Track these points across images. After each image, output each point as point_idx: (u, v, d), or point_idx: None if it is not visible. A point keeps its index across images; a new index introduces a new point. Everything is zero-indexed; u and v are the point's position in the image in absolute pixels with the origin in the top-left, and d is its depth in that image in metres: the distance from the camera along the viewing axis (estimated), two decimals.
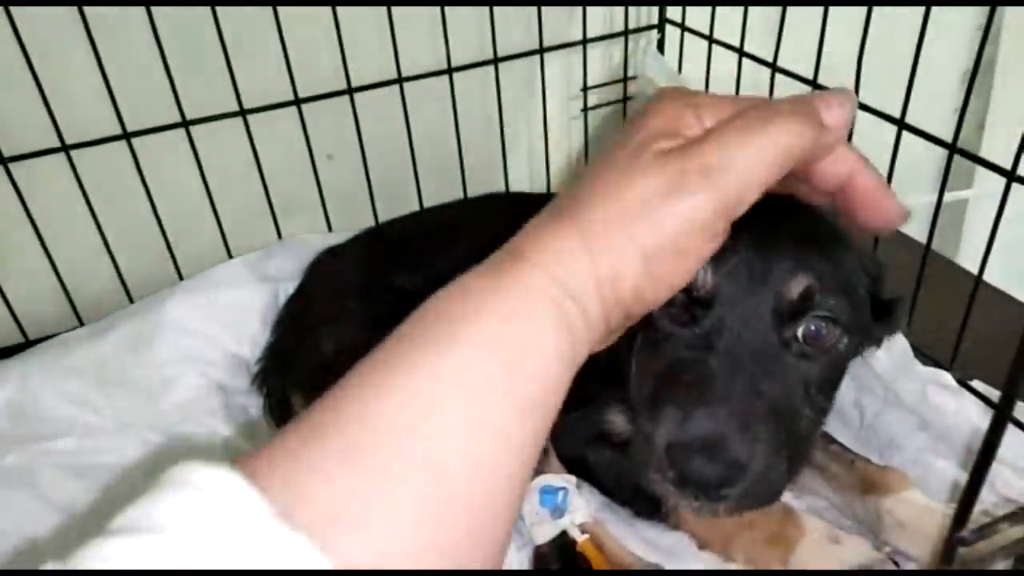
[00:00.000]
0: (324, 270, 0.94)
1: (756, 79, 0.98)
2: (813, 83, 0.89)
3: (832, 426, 0.77)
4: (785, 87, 0.93)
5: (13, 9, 0.82)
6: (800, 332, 0.54)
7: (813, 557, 0.68)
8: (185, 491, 0.30)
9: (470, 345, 0.37)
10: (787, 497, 0.75)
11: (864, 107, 0.84)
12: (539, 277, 0.40)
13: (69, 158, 0.89)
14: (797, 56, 0.91)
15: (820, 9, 0.87)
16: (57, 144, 0.88)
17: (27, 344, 0.95)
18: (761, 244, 0.55)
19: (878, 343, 0.66)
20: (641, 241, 0.41)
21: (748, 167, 0.42)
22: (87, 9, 0.84)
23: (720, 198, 0.41)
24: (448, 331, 0.37)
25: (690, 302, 0.55)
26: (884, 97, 0.82)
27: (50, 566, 0.29)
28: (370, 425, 0.34)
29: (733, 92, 1.02)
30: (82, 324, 0.97)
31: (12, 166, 0.88)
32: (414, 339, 0.38)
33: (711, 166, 0.41)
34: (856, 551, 0.68)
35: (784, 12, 0.93)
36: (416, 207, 1.09)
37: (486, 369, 0.36)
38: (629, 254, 0.41)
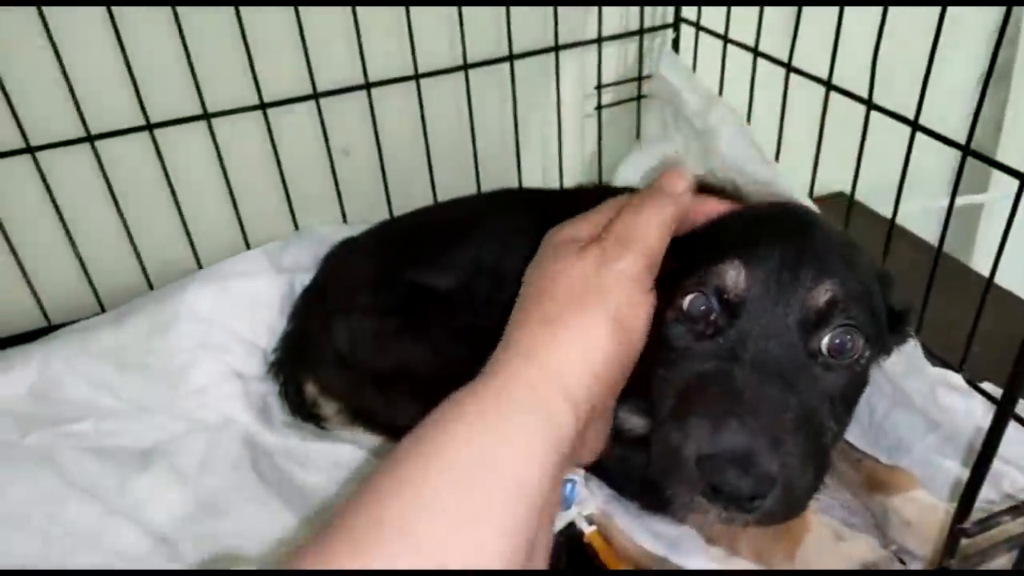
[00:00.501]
0: (338, 263, 0.96)
1: (771, 79, 0.99)
2: (828, 84, 0.90)
3: None
4: (800, 87, 0.94)
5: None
6: (825, 343, 0.55)
7: (819, 553, 0.68)
8: None
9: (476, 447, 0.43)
10: None
11: (879, 108, 0.85)
12: (521, 386, 0.48)
13: (94, 148, 0.91)
14: (812, 56, 0.91)
15: (836, 9, 0.87)
16: (82, 134, 0.90)
17: (50, 328, 0.96)
18: (785, 255, 0.55)
19: (888, 352, 0.67)
20: (593, 309, 0.52)
21: (648, 232, 0.56)
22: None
23: (640, 256, 0.55)
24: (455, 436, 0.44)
25: (719, 307, 0.56)
26: (899, 99, 0.82)
27: None
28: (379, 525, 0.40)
29: (748, 92, 1.03)
30: (103, 310, 0.99)
31: (38, 155, 0.90)
32: (414, 459, 0.44)
33: (623, 237, 0.55)
34: (862, 548, 0.68)
35: (800, 12, 0.93)
36: (430, 201, 1.10)
37: (479, 477, 0.42)
38: (593, 322, 0.51)
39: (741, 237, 0.59)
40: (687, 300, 0.57)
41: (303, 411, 0.89)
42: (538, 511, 0.43)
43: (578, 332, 0.51)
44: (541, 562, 0.46)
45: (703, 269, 0.57)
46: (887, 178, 0.84)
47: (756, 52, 1.00)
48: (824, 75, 0.90)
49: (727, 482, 0.49)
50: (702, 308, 0.56)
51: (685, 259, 0.60)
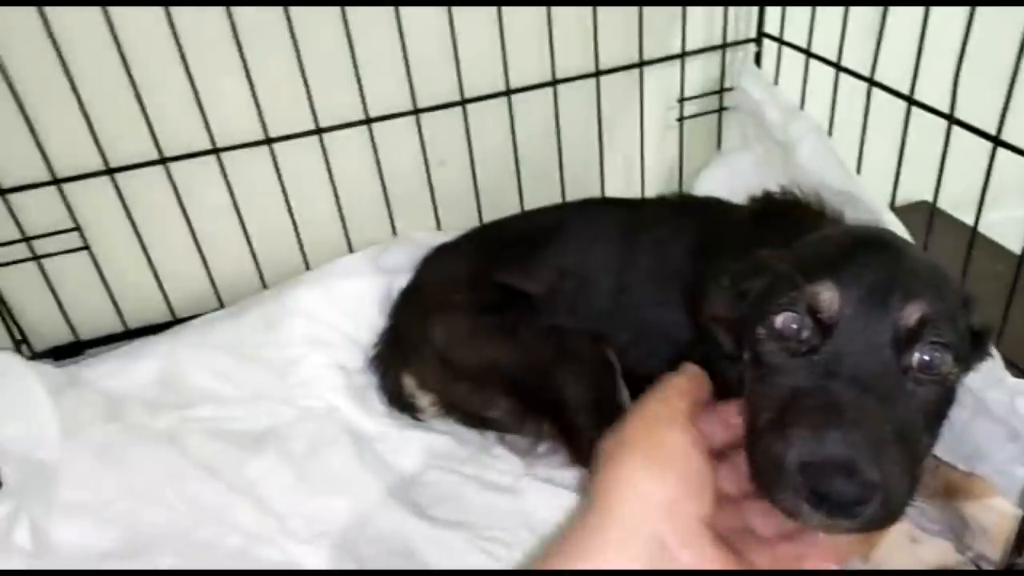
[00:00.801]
0: (434, 264, 1.02)
1: (852, 92, 1.00)
2: (909, 99, 0.91)
3: None
4: (881, 100, 0.96)
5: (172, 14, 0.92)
6: (916, 360, 0.56)
7: (893, 555, 0.70)
8: None
9: None
10: None
11: (960, 123, 0.86)
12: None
13: (219, 159, 1.01)
14: (893, 69, 0.93)
15: (918, 23, 0.89)
16: (209, 147, 0.99)
17: (175, 322, 1.06)
18: (876, 276, 0.57)
19: (970, 369, 0.67)
20: None
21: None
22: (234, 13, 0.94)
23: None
24: None
25: (813, 326, 0.58)
26: (981, 111, 0.83)
27: None
28: None
29: (829, 105, 1.05)
30: (223, 306, 1.08)
31: (170, 165, 0.99)
32: None
33: None
34: (937, 552, 0.70)
35: (882, 28, 0.94)
36: (518, 210, 1.15)
37: None
38: None
39: (832, 258, 0.61)
40: (779, 319, 0.59)
41: (400, 402, 0.95)
42: None
43: None
44: None
45: (795, 289, 0.59)
46: (969, 188, 0.85)
47: (838, 67, 1.01)
48: (905, 88, 0.91)
49: (833, 488, 0.50)
50: (794, 327, 0.58)
51: (775, 278, 0.63)
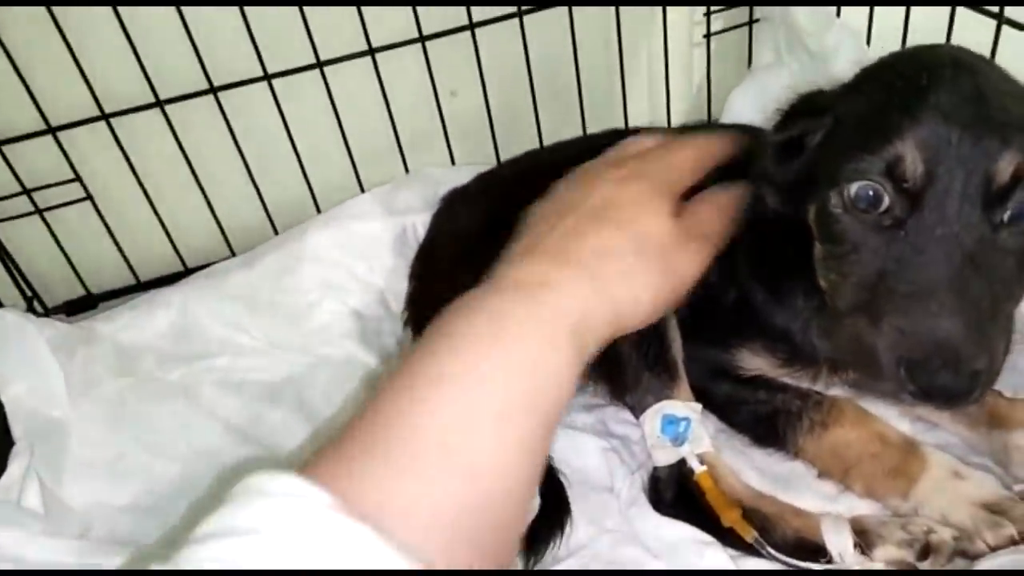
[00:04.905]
0: (448, 217, 0.97)
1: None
2: None
3: None
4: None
5: None
6: (1008, 214, 0.52)
7: (935, 492, 0.67)
8: (267, 498, 0.34)
9: (497, 367, 0.41)
10: (914, 430, 0.74)
11: (1011, 22, 0.79)
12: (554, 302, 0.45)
13: (217, 99, 0.96)
14: None
15: None
16: (206, 87, 0.95)
17: (186, 272, 1.04)
18: (962, 122, 0.51)
19: None
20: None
21: (671, 167, 0.54)
22: None
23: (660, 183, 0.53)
24: (474, 352, 0.41)
25: (895, 196, 0.52)
26: None
27: (155, 567, 0.33)
28: (411, 438, 0.39)
29: (867, 12, 0.97)
30: (233, 254, 1.05)
31: (167, 108, 0.95)
32: (444, 355, 0.42)
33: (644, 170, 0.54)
34: (980, 487, 0.66)
35: None
36: (536, 140, 1.10)
37: (511, 390, 0.41)
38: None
39: (908, 102, 0.53)
40: (854, 188, 0.53)
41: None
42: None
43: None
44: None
45: (871, 149, 0.53)
46: None
47: None
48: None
49: (939, 385, 0.48)
50: (872, 195, 0.53)
51: (839, 124, 0.56)
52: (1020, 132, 0.51)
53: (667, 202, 0.52)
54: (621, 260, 0.48)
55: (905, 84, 0.56)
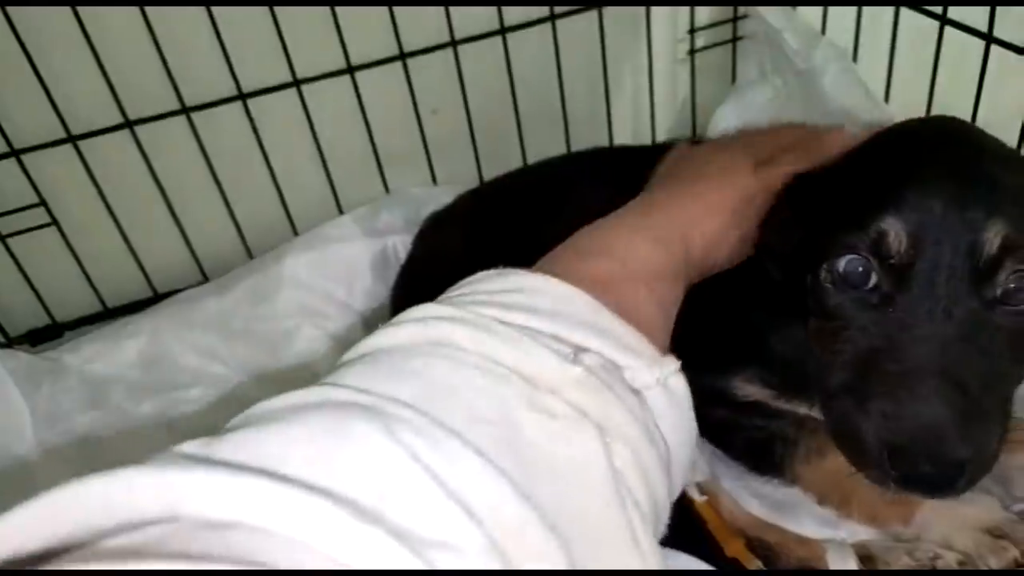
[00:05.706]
0: (429, 239, 0.95)
1: (878, 13, 0.93)
2: (942, 17, 0.83)
3: None
4: (911, 20, 0.88)
5: None
6: (1000, 291, 0.50)
7: (937, 517, 0.65)
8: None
9: (646, 239, 0.52)
10: None
11: (999, 42, 0.78)
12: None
13: (190, 120, 0.93)
14: None
15: None
16: (178, 107, 0.92)
17: (156, 298, 1.00)
18: (950, 194, 0.50)
19: None
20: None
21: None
22: None
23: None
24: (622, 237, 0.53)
25: (882, 271, 0.51)
26: (1020, 29, 0.76)
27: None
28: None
29: (853, 29, 0.97)
30: (206, 279, 1.02)
31: (137, 129, 0.92)
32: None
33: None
34: (982, 511, 0.65)
35: None
36: (520, 159, 1.08)
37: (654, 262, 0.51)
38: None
39: (893, 175, 0.53)
40: (842, 264, 0.52)
41: None
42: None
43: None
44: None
45: (857, 224, 0.51)
46: (1007, 112, 0.78)
47: None
48: (936, 7, 0.83)
49: (921, 473, 0.47)
50: (860, 271, 0.51)
51: (831, 198, 0.55)
52: (1009, 203, 0.50)
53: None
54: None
55: (893, 158, 0.55)
